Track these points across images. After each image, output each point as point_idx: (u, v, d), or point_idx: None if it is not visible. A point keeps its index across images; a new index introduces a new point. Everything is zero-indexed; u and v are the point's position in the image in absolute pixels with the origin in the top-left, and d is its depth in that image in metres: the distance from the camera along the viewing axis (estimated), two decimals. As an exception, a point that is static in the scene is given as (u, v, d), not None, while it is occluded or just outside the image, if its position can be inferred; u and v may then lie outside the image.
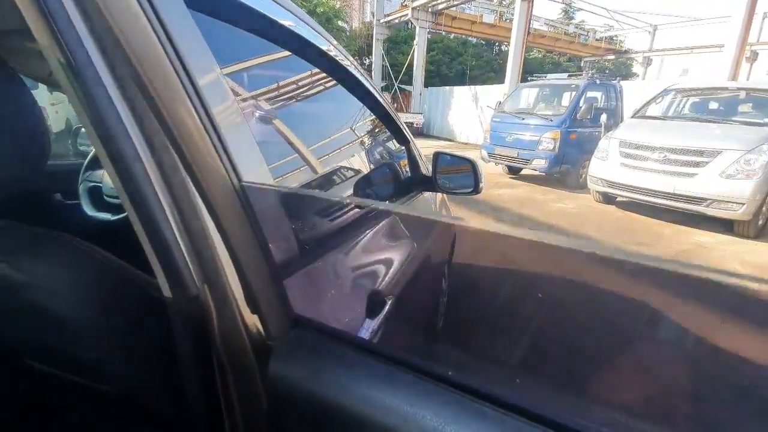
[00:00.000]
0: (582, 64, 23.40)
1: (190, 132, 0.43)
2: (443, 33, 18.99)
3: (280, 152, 0.77)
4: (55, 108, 2.49)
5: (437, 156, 1.35)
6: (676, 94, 5.77)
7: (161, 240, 0.45)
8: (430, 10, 14.70)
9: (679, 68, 23.72)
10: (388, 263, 0.90)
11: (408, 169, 1.39)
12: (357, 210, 0.87)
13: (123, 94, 0.41)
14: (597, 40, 23.10)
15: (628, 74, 24.86)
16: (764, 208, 4.19)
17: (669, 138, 4.61)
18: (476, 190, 1.34)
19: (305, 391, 0.46)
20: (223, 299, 0.48)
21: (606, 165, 5.10)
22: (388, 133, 1.34)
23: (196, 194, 0.45)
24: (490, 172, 7.40)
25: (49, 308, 0.50)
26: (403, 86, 16.99)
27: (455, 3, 14.72)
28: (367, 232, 0.87)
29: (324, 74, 1.00)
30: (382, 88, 15.57)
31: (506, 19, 18.13)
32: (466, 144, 13.36)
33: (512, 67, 11.18)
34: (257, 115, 0.71)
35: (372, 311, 0.71)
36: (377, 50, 16.39)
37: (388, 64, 16.44)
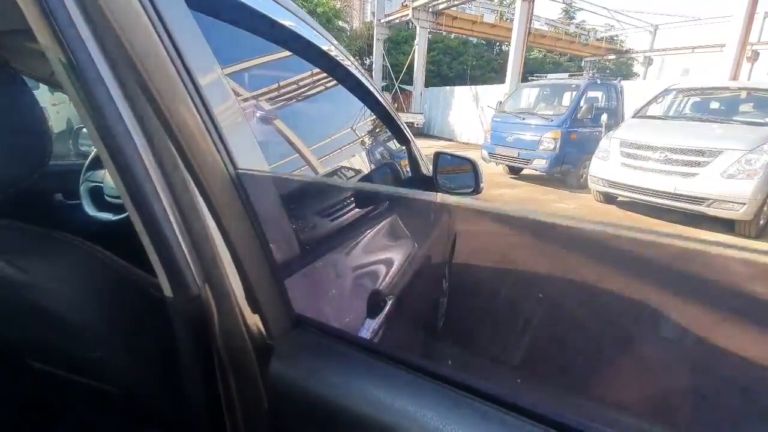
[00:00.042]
0: (583, 64, 23.36)
1: (191, 132, 0.43)
2: (444, 33, 18.99)
3: (281, 152, 0.77)
4: (56, 108, 2.50)
5: (438, 156, 1.35)
6: (677, 93, 5.76)
7: (162, 240, 0.45)
8: (430, 10, 14.70)
9: (680, 68, 23.71)
10: (388, 263, 0.90)
11: (408, 169, 1.39)
12: (357, 210, 0.87)
13: (124, 94, 0.42)
14: (598, 40, 23.09)
15: (628, 74, 24.84)
16: (765, 208, 4.19)
17: (670, 138, 4.61)
18: (477, 190, 1.34)
19: (306, 391, 0.46)
20: (224, 299, 0.48)
21: (607, 165, 5.10)
22: (389, 133, 1.34)
23: (197, 194, 0.45)
24: (491, 172, 7.40)
25: (50, 308, 0.50)
26: (403, 86, 16.99)
27: (456, 3, 14.72)
28: (368, 232, 0.88)
29: (324, 74, 1.00)
30: (382, 88, 15.58)
31: (507, 19, 18.12)
32: (466, 144, 13.36)
33: (513, 66, 11.17)
34: (258, 115, 0.71)
35: (373, 311, 0.71)
36: (378, 50, 16.40)
37: (388, 64, 16.44)
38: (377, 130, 1.31)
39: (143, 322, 0.56)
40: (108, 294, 0.54)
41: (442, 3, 14.32)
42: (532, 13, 11.46)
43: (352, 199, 0.85)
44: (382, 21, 15.97)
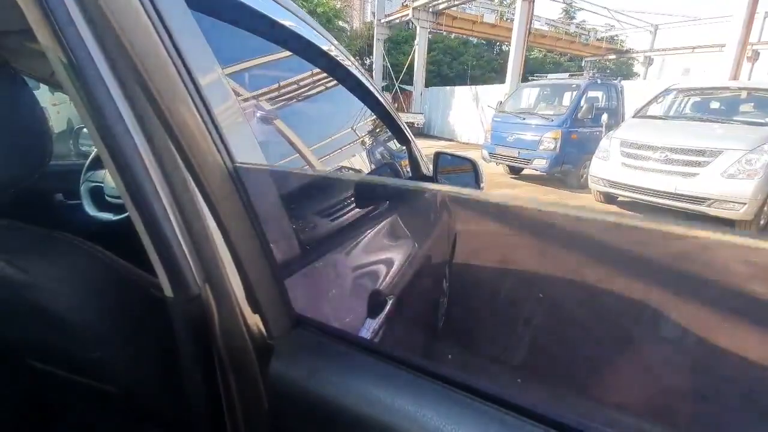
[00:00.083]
0: (583, 64, 23.36)
1: (192, 132, 0.43)
2: (444, 33, 18.99)
3: (282, 152, 0.77)
4: (56, 108, 2.50)
5: (438, 156, 1.35)
6: (677, 93, 5.76)
7: (163, 240, 0.45)
8: (431, 10, 14.69)
9: (681, 68, 23.71)
10: (388, 263, 0.90)
11: (409, 169, 1.39)
12: (357, 210, 0.87)
13: (125, 95, 0.42)
14: (598, 39, 23.07)
15: (629, 74, 24.83)
16: (766, 208, 4.18)
17: (670, 138, 4.61)
18: (477, 189, 1.34)
19: (306, 391, 0.46)
20: (225, 299, 0.48)
21: (607, 165, 5.10)
22: (389, 133, 1.34)
23: (198, 194, 0.45)
24: (491, 171, 7.40)
25: (51, 308, 0.50)
26: (403, 86, 16.99)
27: (456, 3, 14.71)
28: (368, 231, 0.88)
29: (325, 74, 1.00)
30: (382, 88, 15.57)
31: (507, 19, 18.12)
32: (467, 144, 13.35)
33: (513, 66, 11.16)
34: (258, 114, 0.71)
35: (373, 311, 0.71)
36: (378, 50, 16.40)
37: (388, 64, 16.44)
38: (377, 130, 1.31)
39: (143, 321, 0.56)
40: (108, 294, 0.54)
41: (443, 3, 14.31)
42: (532, 13, 11.45)
43: (353, 198, 0.85)
44: (382, 21, 15.96)
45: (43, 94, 2.04)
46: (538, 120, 6.67)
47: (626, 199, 5.17)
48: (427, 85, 16.38)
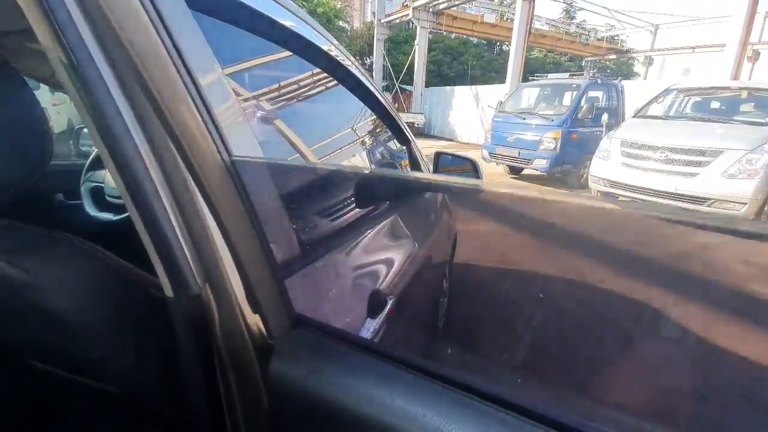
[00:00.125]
0: (583, 64, 23.34)
1: (192, 131, 0.43)
2: (444, 33, 18.97)
3: (282, 152, 0.77)
4: (56, 108, 2.50)
5: (438, 156, 1.35)
6: (677, 93, 5.76)
7: (163, 239, 0.45)
8: (431, 10, 14.69)
9: (681, 68, 23.67)
10: (389, 263, 0.90)
11: (409, 169, 1.39)
12: (358, 210, 0.87)
13: (125, 95, 0.42)
14: (598, 39, 23.06)
15: (629, 74, 24.81)
16: (766, 208, 4.18)
17: (671, 137, 4.61)
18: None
19: (306, 391, 0.46)
20: (225, 299, 0.48)
21: (607, 165, 5.10)
22: (389, 133, 1.34)
23: (198, 194, 0.45)
24: (492, 172, 7.40)
25: (51, 308, 0.50)
26: (404, 86, 16.98)
27: (456, 3, 14.71)
28: (368, 231, 0.88)
29: (325, 74, 1.00)
30: (383, 88, 15.56)
31: (507, 19, 18.12)
32: (467, 144, 13.35)
33: (513, 66, 11.16)
34: (259, 114, 0.71)
35: (373, 311, 0.71)
36: (378, 50, 16.39)
37: (389, 64, 16.44)
38: (378, 130, 1.31)
39: (144, 321, 0.56)
40: (108, 294, 0.54)
41: (443, 3, 14.31)
42: (532, 13, 11.45)
43: (353, 198, 0.85)
44: (382, 21, 15.96)
45: (43, 94, 2.04)
46: (539, 120, 6.67)
47: (626, 199, 5.17)
48: (427, 85, 16.38)
